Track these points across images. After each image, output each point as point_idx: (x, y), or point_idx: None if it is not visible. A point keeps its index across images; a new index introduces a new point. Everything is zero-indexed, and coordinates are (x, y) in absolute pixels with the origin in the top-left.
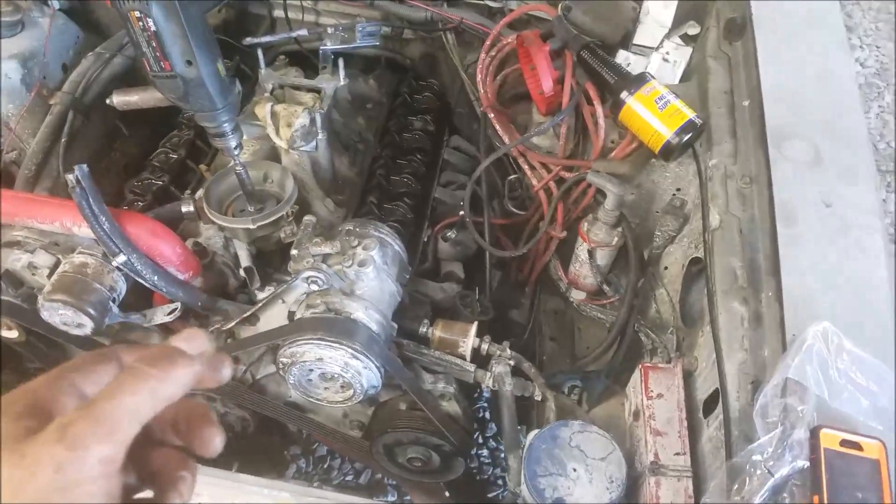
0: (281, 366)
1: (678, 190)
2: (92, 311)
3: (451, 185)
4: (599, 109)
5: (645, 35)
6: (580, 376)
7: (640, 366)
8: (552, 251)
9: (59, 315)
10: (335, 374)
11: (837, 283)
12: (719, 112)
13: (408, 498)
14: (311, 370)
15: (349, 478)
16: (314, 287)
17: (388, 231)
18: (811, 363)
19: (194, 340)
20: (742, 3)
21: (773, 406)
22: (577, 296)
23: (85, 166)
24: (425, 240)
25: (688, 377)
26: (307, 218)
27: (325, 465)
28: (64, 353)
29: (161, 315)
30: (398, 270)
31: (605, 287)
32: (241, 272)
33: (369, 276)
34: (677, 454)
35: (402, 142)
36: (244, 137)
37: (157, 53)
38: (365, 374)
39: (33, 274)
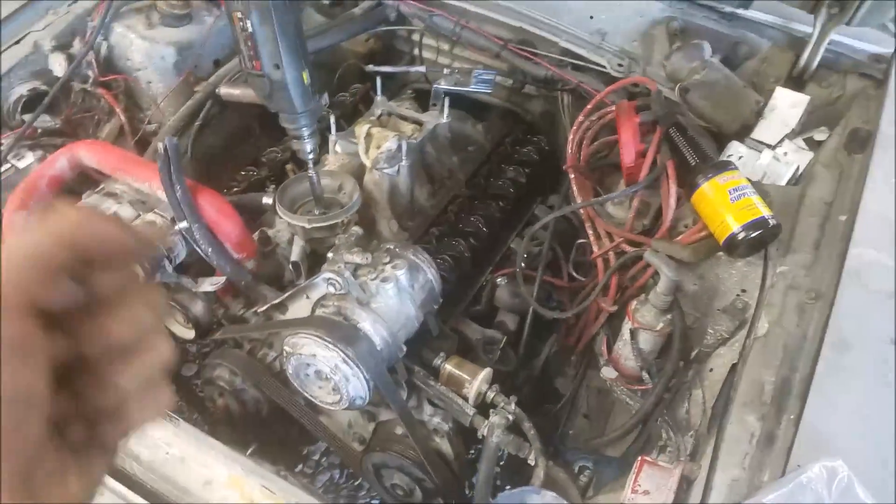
0: (284, 354)
1: (743, 291)
2: (146, 265)
3: (535, 241)
4: (673, 189)
5: (766, 131)
6: (594, 459)
7: (640, 458)
8: (600, 324)
9: None
10: (326, 374)
11: (872, 428)
12: (810, 221)
13: None
14: (308, 365)
15: (375, 501)
16: (331, 289)
17: (425, 259)
18: (803, 499)
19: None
20: (875, 115)
21: None
22: (608, 373)
23: (175, 139)
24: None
25: (686, 483)
26: (354, 228)
27: (356, 483)
28: None
29: (208, 284)
30: (425, 298)
31: (644, 374)
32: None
33: (388, 293)
34: None
35: (488, 186)
36: (338, 150)
37: (251, 53)
38: (353, 382)
39: None
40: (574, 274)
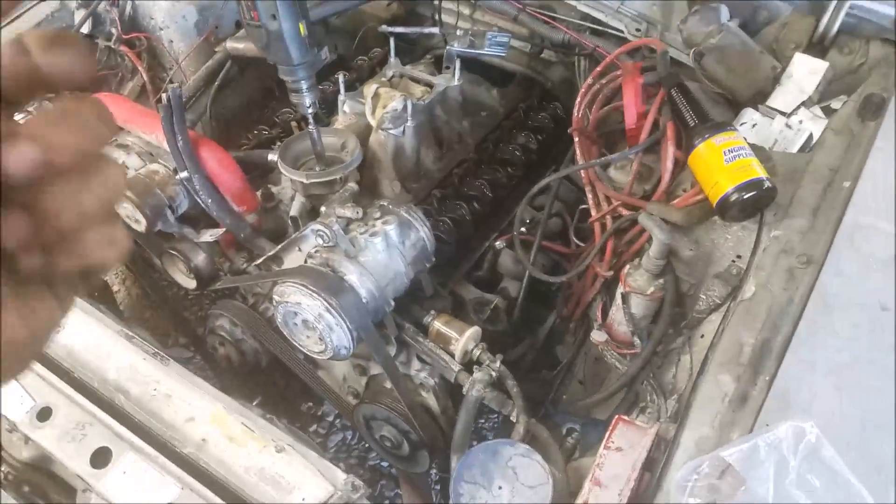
0: (274, 302)
1: (738, 257)
2: (147, 212)
3: (542, 208)
4: (671, 150)
5: (781, 98)
6: (582, 422)
7: (616, 416)
8: (596, 289)
9: (123, 208)
10: (311, 322)
11: (848, 390)
12: (812, 187)
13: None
14: (295, 314)
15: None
16: (320, 241)
17: (418, 217)
18: (766, 457)
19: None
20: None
21: (701, 483)
22: (597, 337)
23: (179, 89)
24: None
25: (664, 444)
26: (350, 185)
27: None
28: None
29: (209, 235)
30: (417, 255)
31: (636, 339)
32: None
33: (377, 247)
34: None
35: (496, 151)
36: (347, 111)
37: (249, 3)
38: (336, 331)
39: (127, 172)
40: (575, 240)
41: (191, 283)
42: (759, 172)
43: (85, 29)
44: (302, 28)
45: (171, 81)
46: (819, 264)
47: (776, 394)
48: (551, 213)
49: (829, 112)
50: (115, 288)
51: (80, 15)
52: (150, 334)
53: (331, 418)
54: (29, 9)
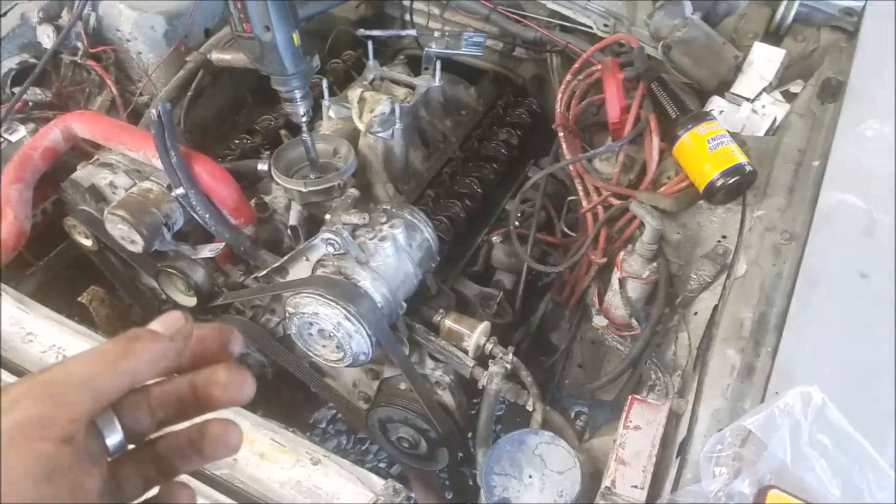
0: (287, 314)
1: (724, 237)
2: (144, 231)
3: (528, 202)
4: (655, 142)
5: (744, 85)
6: (589, 404)
7: (629, 396)
8: (591, 276)
9: (118, 229)
10: (329, 331)
11: (844, 352)
12: (785, 167)
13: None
14: (311, 324)
15: (382, 465)
16: (331, 249)
17: (422, 218)
18: (781, 422)
19: (168, 321)
20: (847, 66)
21: (726, 453)
22: (598, 321)
23: (168, 104)
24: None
25: (675, 418)
26: (351, 190)
27: (364, 447)
28: (136, 273)
29: (207, 251)
30: (423, 256)
31: (634, 321)
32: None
33: (387, 251)
34: (634, 486)
35: (481, 148)
36: (332, 116)
37: (241, 15)
38: (356, 338)
39: (113, 192)
40: (566, 230)
41: (191, 301)
42: (740, 158)
43: (48, 44)
44: (295, 38)
45: (140, 94)
46: (801, 240)
47: (780, 362)
48: (531, 208)
49: (788, 96)
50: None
51: (42, 31)
52: None
53: (323, 425)
54: None
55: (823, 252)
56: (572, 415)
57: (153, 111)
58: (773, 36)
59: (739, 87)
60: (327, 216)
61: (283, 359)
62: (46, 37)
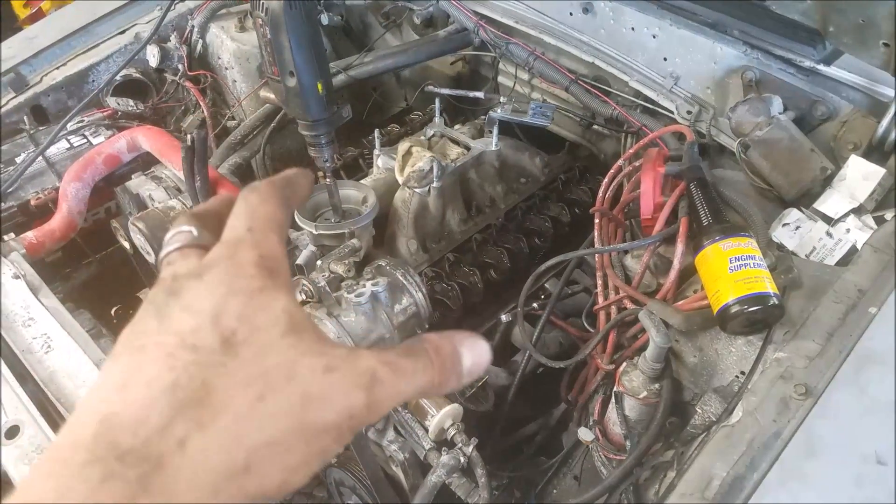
0: None
1: (742, 373)
2: (156, 246)
3: (574, 285)
4: (680, 248)
5: (831, 202)
6: None
7: None
8: (598, 381)
9: (137, 238)
10: None
11: None
12: (834, 307)
13: None
14: None
15: None
16: (302, 296)
17: (413, 282)
18: None
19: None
20: None
21: None
22: (584, 435)
23: (204, 133)
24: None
25: None
26: (352, 241)
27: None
28: None
29: None
30: (406, 321)
31: (628, 443)
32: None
33: (362, 309)
34: None
35: (525, 220)
36: (380, 165)
37: (270, 59)
38: None
39: (151, 204)
40: (584, 324)
41: None
42: (767, 287)
43: (154, 62)
44: (320, 87)
45: (231, 118)
46: (817, 398)
47: None
48: (575, 291)
49: (881, 223)
50: None
51: (150, 50)
52: None
53: None
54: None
55: (834, 417)
56: None
57: (188, 136)
58: (878, 151)
59: (825, 203)
60: (319, 262)
61: None
62: (153, 56)
